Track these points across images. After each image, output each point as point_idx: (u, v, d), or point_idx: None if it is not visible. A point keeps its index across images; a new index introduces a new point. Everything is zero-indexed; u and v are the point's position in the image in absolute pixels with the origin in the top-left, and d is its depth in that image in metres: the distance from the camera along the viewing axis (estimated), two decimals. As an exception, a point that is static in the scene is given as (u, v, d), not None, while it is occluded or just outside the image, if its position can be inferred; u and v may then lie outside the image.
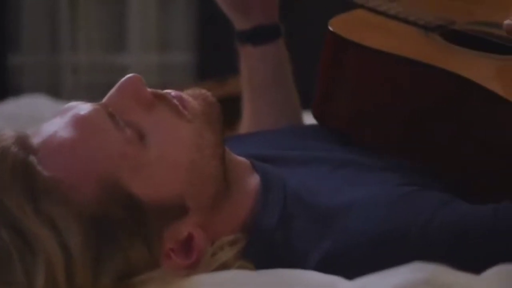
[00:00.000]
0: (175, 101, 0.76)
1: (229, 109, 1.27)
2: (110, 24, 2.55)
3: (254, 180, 0.79)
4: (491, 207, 0.71)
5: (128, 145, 0.71)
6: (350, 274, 0.69)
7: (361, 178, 0.78)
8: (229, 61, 1.21)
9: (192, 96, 0.77)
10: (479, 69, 0.83)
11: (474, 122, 0.78)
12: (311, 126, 0.99)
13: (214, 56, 2.37)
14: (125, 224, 0.69)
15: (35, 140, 0.72)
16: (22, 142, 0.71)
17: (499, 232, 0.69)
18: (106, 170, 0.70)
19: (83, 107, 0.74)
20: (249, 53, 1.14)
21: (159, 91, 0.77)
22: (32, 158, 0.70)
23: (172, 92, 0.76)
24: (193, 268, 0.72)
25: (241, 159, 0.81)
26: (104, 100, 0.75)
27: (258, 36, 1.13)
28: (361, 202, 0.73)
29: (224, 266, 0.72)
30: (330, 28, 0.88)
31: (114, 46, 2.57)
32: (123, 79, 0.76)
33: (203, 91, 0.78)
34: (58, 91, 2.49)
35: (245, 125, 1.17)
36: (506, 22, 0.85)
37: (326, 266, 0.72)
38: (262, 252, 0.74)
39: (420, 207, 0.71)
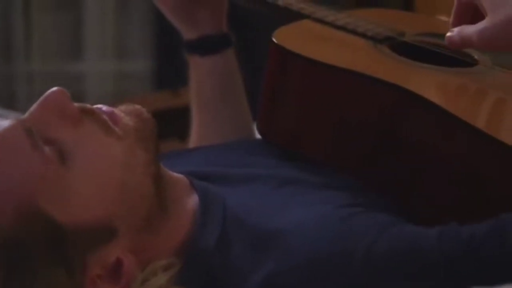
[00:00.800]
0: (104, 116, 0.71)
1: (184, 120, 1.24)
2: (65, 32, 2.50)
3: (192, 200, 0.75)
4: (436, 231, 0.68)
5: (46, 165, 0.67)
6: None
7: (304, 197, 0.75)
8: (187, 70, 1.18)
9: (125, 112, 0.73)
10: (425, 82, 0.80)
11: (419, 136, 0.75)
12: (258, 141, 0.96)
13: (172, 65, 2.34)
14: (43, 251, 0.65)
15: None
16: None
17: (442, 256, 0.66)
18: (22, 193, 0.66)
19: None
20: (197, 63, 1.10)
21: (88, 105, 0.72)
22: None
23: (103, 107, 0.72)
24: (122, 295, 0.68)
25: (179, 177, 0.78)
26: (25, 115, 0.71)
27: (206, 46, 1.09)
28: (303, 223, 0.70)
29: (156, 293, 0.68)
30: (274, 40, 0.84)
31: (70, 54, 2.51)
32: (46, 93, 0.71)
33: (137, 106, 0.74)
34: (12, 101, 2.44)
35: (193, 139, 1.14)
36: (448, 34, 0.83)
37: (267, 289, 0.68)
38: (198, 277, 0.70)
39: (363, 230, 0.68)
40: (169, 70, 2.44)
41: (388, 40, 0.89)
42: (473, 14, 0.80)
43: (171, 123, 1.39)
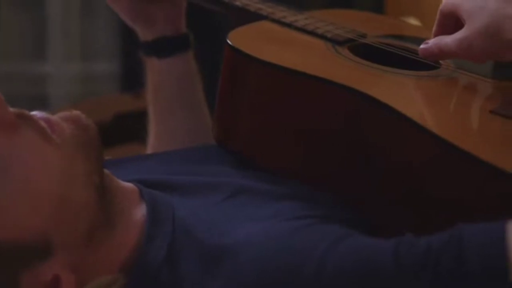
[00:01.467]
0: (42, 123, 0.67)
1: (146, 123, 1.20)
2: (30, 32, 2.44)
3: (140, 211, 0.71)
4: (392, 244, 0.64)
5: None
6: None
7: (256, 209, 0.71)
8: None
9: (62, 118, 0.69)
10: (385, 86, 0.76)
11: (379, 141, 0.72)
12: (215, 147, 0.92)
13: (138, 66, 2.29)
14: None
15: None
16: None
17: (397, 270, 0.62)
18: None
19: None
20: (154, 66, 1.06)
21: (24, 111, 0.68)
22: None
23: (39, 113, 0.68)
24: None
25: (128, 186, 0.73)
26: None
27: (163, 48, 1.05)
28: (253, 239, 0.66)
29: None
30: (229, 42, 0.80)
31: (35, 55, 2.46)
32: None
33: (76, 112, 0.70)
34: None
35: (150, 144, 1.09)
36: (421, 46, 0.80)
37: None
38: (145, 293, 0.66)
39: (313, 244, 0.64)
40: (135, 72, 2.39)
41: (348, 42, 0.86)
42: (455, 25, 0.78)
43: (132, 126, 1.34)
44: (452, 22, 0.78)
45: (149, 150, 1.10)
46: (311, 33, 0.86)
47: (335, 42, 0.85)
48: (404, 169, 0.70)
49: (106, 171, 0.72)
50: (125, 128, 1.75)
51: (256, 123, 0.79)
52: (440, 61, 0.83)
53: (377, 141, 0.71)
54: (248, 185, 0.76)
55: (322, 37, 0.86)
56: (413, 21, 2.90)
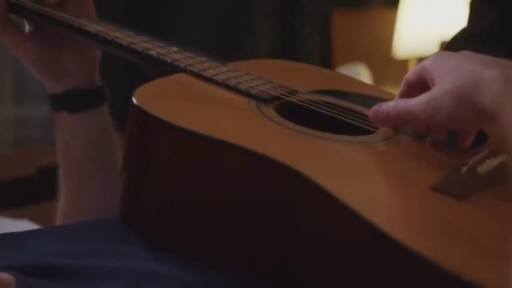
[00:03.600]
0: None
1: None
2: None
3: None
4: None
5: None
6: None
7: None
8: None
9: None
10: (309, 155, 0.65)
11: (299, 225, 0.59)
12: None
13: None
14: None
15: None
16: None
17: None
18: None
19: None
20: (64, 121, 0.94)
21: None
22: None
23: None
24: None
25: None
26: None
27: (74, 101, 0.94)
28: None
29: None
30: (134, 101, 0.68)
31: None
32: None
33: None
34: None
35: (60, 209, 0.97)
36: (373, 109, 0.69)
37: None
38: None
39: None
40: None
41: (276, 99, 0.75)
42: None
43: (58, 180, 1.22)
44: (419, 92, 0.66)
45: (59, 216, 0.97)
46: (233, 89, 0.75)
47: (260, 100, 0.74)
48: (330, 256, 0.58)
49: None
50: (50, 182, 1.63)
51: (162, 196, 0.67)
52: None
53: (298, 223, 0.59)
54: (158, 272, 0.64)
55: (245, 93, 0.75)
56: (363, 68, 2.84)
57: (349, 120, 0.72)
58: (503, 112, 0.58)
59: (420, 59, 3.15)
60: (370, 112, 0.69)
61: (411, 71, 0.68)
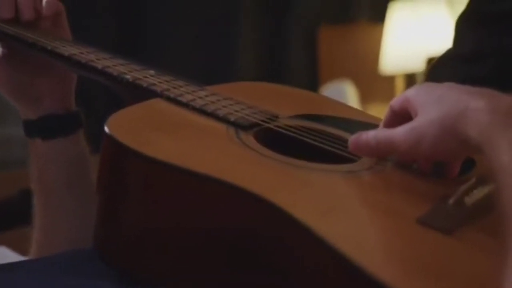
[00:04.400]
0: None
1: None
2: None
3: None
4: None
5: None
6: None
7: None
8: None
9: None
10: (288, 187, 0.61)
11: (278, 255, 0.56)
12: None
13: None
14: None
15: None
16: None
17: None
18: None
19: None
20: (38, 148, 0.91)
21: None
22: None
23: None
24: None
25: None
26: None
27: (48, 128, 0.90)
28: None
29: None
30: (106, 130, 0.65)
31: None
32: None
33: None
34: None
35: (35, 239, 0.93)
36: (353, 137, 0.66)
37: None
38: None
39: None
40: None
41: (255, 126, 0.72)
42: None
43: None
44: (403, 121, 0.64)
45: (33, 246, 0.93)
46: (211, 115, 0.72)
47: (239, 126, 0.71)
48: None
49: None
50: (32, 206, 1.59)
51: (135, 229, 0.64)
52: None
53: (275, 257, 0.56)
54: None
55: (223, 120, 0.72)
56: (349, 85, 2.82)
57: (330, 148, 0.69)
58: (489, 143, 0.55)
59: (407, 75, 3.14)
60: (350, 141, 0.66)
61: (396, 99, 0.66)
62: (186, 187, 0.61)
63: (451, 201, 0.60)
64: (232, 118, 0.71)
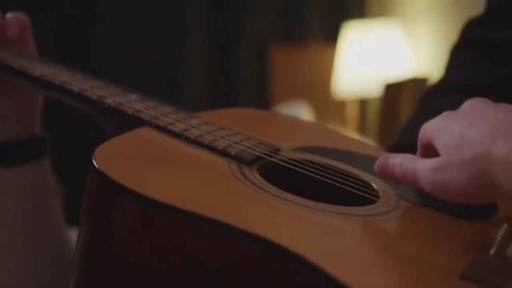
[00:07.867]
0: None
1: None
2: None
3: None
4: None
5: None
6: None
7: None
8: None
9: None
10: (303, 232, 0.54)
11: None
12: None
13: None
14: None
15: None
16: None
17: None
18: None
19: None
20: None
21: None
22: None
23: None
24: None
25: None
26: None
27: (10, 154, 0.81)
28: None
29: None
30: (95, 164, 0.57)
31: None
32: None
33: None
34: None
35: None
36: (379, 161, 0.61)
37: None
38: None
39: None
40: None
41: (257, 160, 0.64)
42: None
43: None
44: (435, 151, 0.59)
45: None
46: (209, 147, 0.64)
47: (242, 161, 0.63)
48: None
49: None
50: None
51: (125, 274, 0.55)
52: (378, 190, 0.63)
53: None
54: None
55: (223, 154, 0.64)
56: (304, 106, 2.76)
57: (342, 186, 0.62)
58: None
59: (362, 101, 3.08)
60: (376, 164, 0.61)
61: (422, 132, 0.60)
62: (196, 233, 0.52)
63: (492, 251, 0.54)
64: (233, 152, 0.63)
